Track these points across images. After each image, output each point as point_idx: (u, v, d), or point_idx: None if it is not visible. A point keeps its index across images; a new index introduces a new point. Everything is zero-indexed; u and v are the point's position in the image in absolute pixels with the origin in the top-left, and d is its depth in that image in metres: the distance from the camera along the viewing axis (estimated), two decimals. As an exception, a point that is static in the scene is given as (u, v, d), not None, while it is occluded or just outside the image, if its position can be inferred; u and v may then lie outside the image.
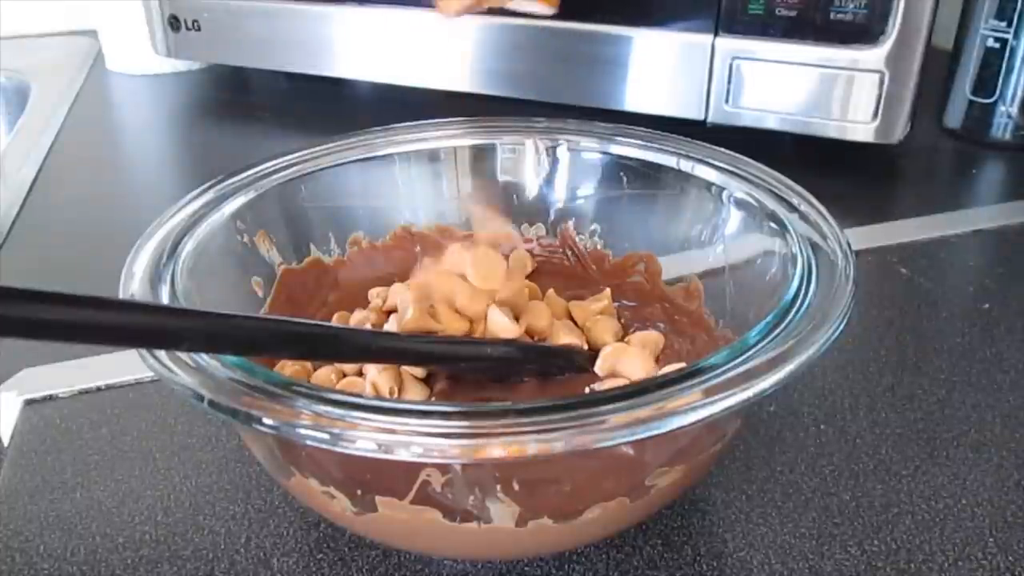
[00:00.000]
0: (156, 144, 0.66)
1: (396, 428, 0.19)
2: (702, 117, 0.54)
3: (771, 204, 0.30)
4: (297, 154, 0.34)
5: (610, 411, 0.20)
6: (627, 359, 0.31)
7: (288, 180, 0.33)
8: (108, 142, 0.66)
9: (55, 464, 0.32)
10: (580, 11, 0.55)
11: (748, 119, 0.53)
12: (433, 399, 0.30)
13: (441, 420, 0.20)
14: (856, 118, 0.51)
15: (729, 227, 0.32)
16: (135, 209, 0.54)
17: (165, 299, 0.25)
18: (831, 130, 0.51)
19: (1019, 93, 0.57)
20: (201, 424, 0.33)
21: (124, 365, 0.36)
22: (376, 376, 0.29)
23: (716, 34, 0.52)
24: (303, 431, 0.20)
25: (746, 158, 0.33)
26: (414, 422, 0.20)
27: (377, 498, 0.23)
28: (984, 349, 0.38)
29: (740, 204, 0.31)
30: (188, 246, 0.28)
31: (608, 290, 0.35)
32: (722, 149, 0.34)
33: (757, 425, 0.33)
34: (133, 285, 0.25)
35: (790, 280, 0.26)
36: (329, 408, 0.20)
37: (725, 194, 0.32)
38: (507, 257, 0.37)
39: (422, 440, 0.19)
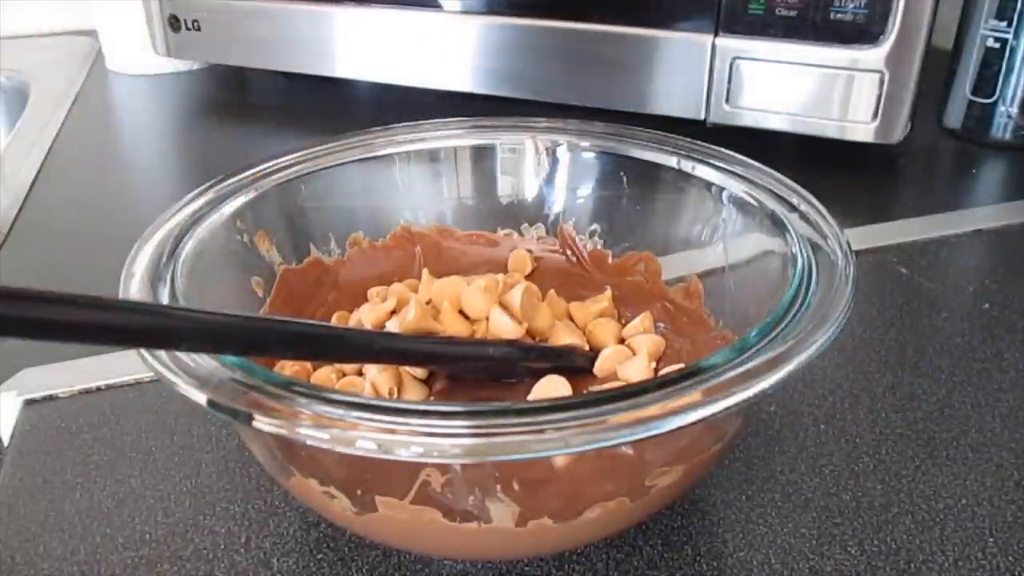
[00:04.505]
0: (156, 144, 0.66)
1: (396, 428, 0.19)
2: (702, 117, 0.54)
3: (771, 204, 0.30)
4: (297, 154, 0.34)
5: (610, 411, 0.20)
6: (627, 361, 0.31)
7: (288, 180, 0.33)
8: (108, 142, 0.66)
9: (55, 464, 0.32)
10: (580, 11, 0.55)
11: (748, 119, 0.53)
12: (433, 399, 0.30)
13: (441, 420, 0.20)
14: (856, 118, 0.51)
15: (729, 227, 0.32)
16: (135, 209, 0.54)
17: (165, 299, 0.25)
18: (831, 130, 0.51)
19: (1019, 93, 0.57)
20: (201, 424, 0.33)
21: (124, 365, 0.36)
22: (375, 376, 0.29)
23: (716, 34, 0.52)
24: (303, 431, 0.20)
25: (746, 158, 0.33)
26: (414, 422, 0.20)
27: (377, 498, 0.23)
28: (984, 349, 0.38)
29: (740, 204, 0.31)
30: (188, 246, 0.28)
31: (608, 291, 0.35)
32: (722, 149, 0.34)
33: (757, 425, 0.33)
34: (133, 285, 0.25)
35: (790, 280, 0.26)
36: (329, 408, 0.20)
37: (725, 194, 0.32)
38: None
39: (422, 440, 0.19)
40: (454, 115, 0.37)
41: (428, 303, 0.32)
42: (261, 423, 0.20)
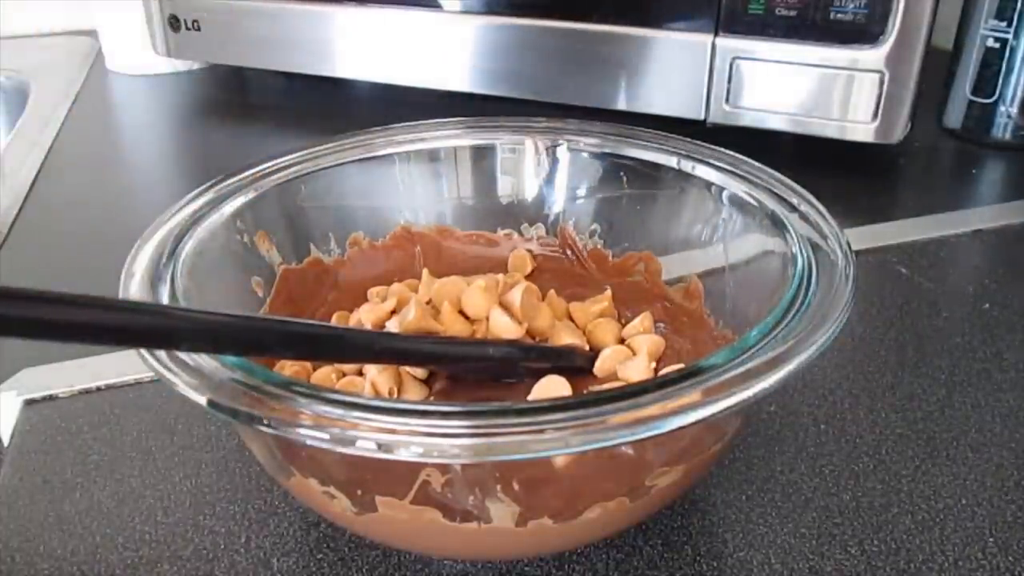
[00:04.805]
0: (156, 144, 0.66)
1: (396, 428, 0.19)
2: (702, 117, 0.54)
3: (771, 204, 0.30)
4: (297, 154, 0.34)
5: (610, 411, 0.20)
6: (627, 361, 0.31)
7: (288, 180, 0.33)
8: (108, 142, 0.66)
9: (55, 464, 0.32)
10: (580, 11, 0.55)
11: (748, 119, 0.53)
12: (432, 399, 0.30)
13: (441, 420, 0.20)
14: (856, 118, 0.51)
15: (729, 227, 0.32)
16: (135, 209, 0.54)
17: (165, 299, 0.25)
18: (831, 130, 0.51)
19: (1019, 93, 0.57)
20: (201, 424, 0.33)
21: (124, 365, 0.36)
22: (375, 376, 0.29)
23: (716, 34, 0.52)
24: (303, 431, 0.20)
25: (746, 158, 0.33)
26: (414, 422, 0.20)
27: (377, 498, 0.23)
28: (984, 349, 0.38)
29: (740, 204, 0.31)
30: (188, 246, 0.28)
31: (609, 291, 0.35)
32: (722, 149, 0.34)
33: (757, 425, 0.33)
34: (133, 285, 0.25)
35: (790, 280, 0.26)
36: (329, 408, 0.20)
37: (725, 194, 0.32)
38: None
39: (422, 440, 0.19)
40: (454, 115, 0.37)
41: (428, 303, 0.32)
42: (261, 423, 0.20)
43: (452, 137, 0.37)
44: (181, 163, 0.64)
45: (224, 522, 0.29)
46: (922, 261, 0.45)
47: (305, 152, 0.34)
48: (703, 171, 0.33)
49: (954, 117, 0.61)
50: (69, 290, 0.17)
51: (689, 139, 0.34)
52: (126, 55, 0.76)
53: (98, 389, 0.35)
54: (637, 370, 0.30)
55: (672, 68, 0.54)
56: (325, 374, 0.30)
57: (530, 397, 0.28)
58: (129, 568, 0.27)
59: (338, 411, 0.20)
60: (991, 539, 0.28)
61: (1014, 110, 0.57)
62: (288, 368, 0.30)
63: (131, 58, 0.76)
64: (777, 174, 0.32)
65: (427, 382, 0.30)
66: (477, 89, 0.60)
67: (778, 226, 0.29)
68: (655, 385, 0.21)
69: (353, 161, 0.35)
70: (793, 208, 0.30)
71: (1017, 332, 0.39)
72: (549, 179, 0.37)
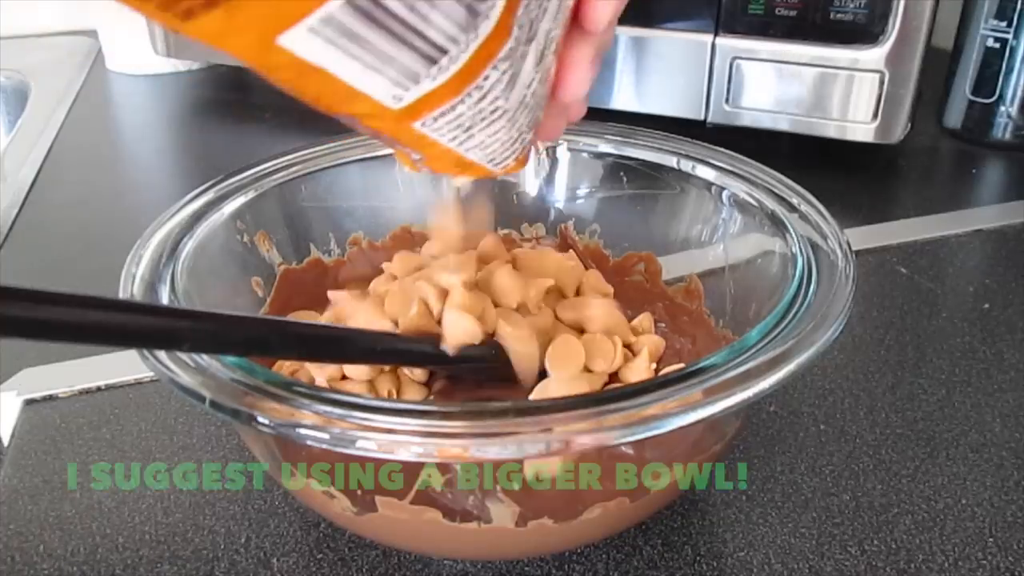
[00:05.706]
0: (156, 144, 0.66)
1: (396, 428, 0.19)
2: (702, 117, 0.54)
3: (771, 204, 0.30)
4: (297, 154, 0.34)
5: (610, 411, 0.20)
6: (627, 361, 0.31)
7: (288, 180, 0.33)
8: (108, 142, 0.66)
9: (55, 464, 0.32)
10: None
11: (748, 119, 0.53)
12: (432, 399, 0.30)
13: (441, 420, 0.20)
14: (856, 118, 0.51)
15: (729, 227, 0.32)
16: (135, 209, 0.54)
17: (165, 299, 0.25)
18: (831, 130, 0.52)
19: (1019, 93, 0.57)
20: (201, 424, 0.33)
21: (124, 365, 0.36)
22: (375, 376, 0.29)
23: (716, 34, 0.52)
24: (303, 431, 0.20)
25: (746, 158, 0.33)
26: (414, 422, 0.20)
27: (377, 498, 0.23)
28: (984, 349, 0.38)
29: (740, 204, 0.31)
30: (188, 246, 0.28)
31: (611, 291, 0.35)
32: (722, 149, 0.34)
33: (757, 425, 0.33)
34: (133, 285, 0.25)
35: (790, 280, 0.26)
36: (329, 408, 0.20)
37: (725, 194, 0.32)
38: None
39: (422, 440, 0.19)
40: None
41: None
42: (261, 423, 0.20)
43: (452, 137, 0.37)
44: (181, 163, 0.64)
45: (224, 522, 0.29)
46: (922, 261, 0.45)
47: (305, 152, 0.34)
48: (703, 171, 0.33)
49: (954, 117, 0.61)
50: (69, 290, 0.17)
51: (689, 139, 0.34)
52: (126, 55, 0.76)
53: (98, 389, 0.35)
54: (637, 370, 0.30)
55: (672, 68, 0.54)
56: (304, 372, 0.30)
57: (531, 397, 0.28)
58: (129, 568, 0.27)
59: (338, 411, 0.20)
60: (991, 539, 0.28)
61: (1014, 110, 0.57)
62: (288, 368, 0.30)
63: (131, 58, 0.76)
64: (777, 174, 0.32)
65: (427, 383, 0.30)
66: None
67: (778, 226, 0.29)
68: (655, 385, 0.21)
69: (353, 161, 0.35)
70: (793, 208, 0.30)
71: (1017, 332, 0.39)
72: (549, 179, 0.37)
